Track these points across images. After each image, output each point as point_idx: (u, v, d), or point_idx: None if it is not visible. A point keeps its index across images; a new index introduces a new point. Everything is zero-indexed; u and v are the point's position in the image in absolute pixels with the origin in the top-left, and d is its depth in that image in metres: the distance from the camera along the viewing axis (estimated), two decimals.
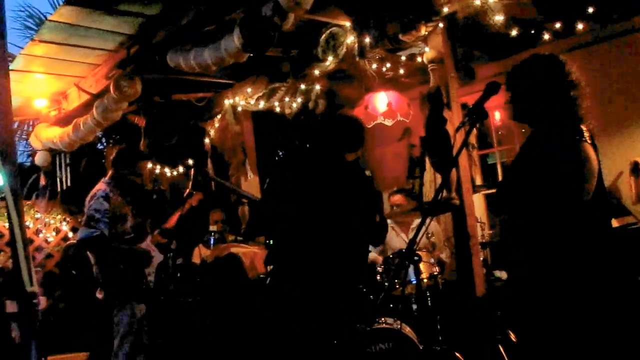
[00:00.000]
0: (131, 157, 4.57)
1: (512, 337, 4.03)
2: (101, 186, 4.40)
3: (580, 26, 4.46)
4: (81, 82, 5.37)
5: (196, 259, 5.25)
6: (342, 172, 3.42)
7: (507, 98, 2.45)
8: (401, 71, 5.47)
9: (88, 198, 4.37)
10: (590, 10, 4.41)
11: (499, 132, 6.21)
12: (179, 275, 4.75)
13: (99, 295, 4.40)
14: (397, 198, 5.38)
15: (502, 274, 5.19)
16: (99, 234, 4.20)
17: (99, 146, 8.69)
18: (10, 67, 4.48)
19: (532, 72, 2.39)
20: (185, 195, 4.36)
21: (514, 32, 4.46)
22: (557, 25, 4.46)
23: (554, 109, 2.31)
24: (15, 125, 6.28)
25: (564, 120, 2.29)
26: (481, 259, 4.36)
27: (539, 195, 2.16)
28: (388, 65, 5.33)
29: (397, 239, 5.25)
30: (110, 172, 4.56)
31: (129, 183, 4.50)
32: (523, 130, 5.94)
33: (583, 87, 2.35)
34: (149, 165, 6.71)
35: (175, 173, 7.34)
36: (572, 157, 2.18)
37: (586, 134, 2.25)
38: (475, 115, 2.31)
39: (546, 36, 4.55)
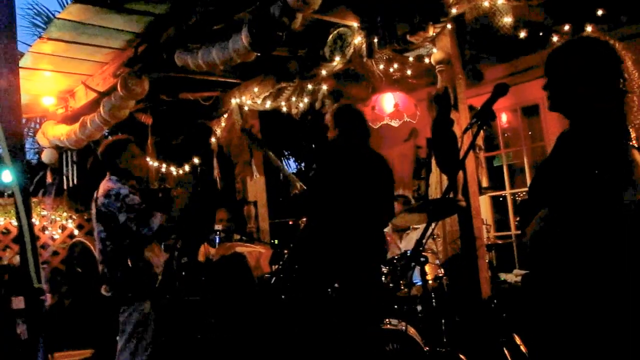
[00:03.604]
0: (116, 146, 4.47)
1: (517, 340, 4.02)
2: (114, 184, 4.32)
3: (589, 29, 4.44)
4: (88, 80, 5.39)
5: (201, 258, 5.27)
6: (374, 160, 3.85)
7: (545, 84, 2.19)
8: (409, 72, 5.47)
9: (110, 198, 4.20)
10: (600, 12, 4.39)
11: (506, 135, 6.20)
12: (184, 273, 4.77)
13: (105, 292, 4.38)
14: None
15: (508, 277, 5.19)
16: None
17: None
18: (19, 65, 4.49)
19: (577, 53, 2.13)
20: (192, 193, 4.37)
21: (522, 34, 4.45)
22: (566, 27, 4.44)
23: (599, 99, 2.06)
24: (23, 123, 6.32)
25: (608, 116, 2.04)
26: (487, 261, 4.35)
27: (579, 200, 1.96)
28: (395, 66, 5.33)
29: (393, 245, 5.25)
30: (109, 172, 4.45)
31: (130, 174, 4.46)
32: (530, 132, 5.95)
33: (633, 79, 2.09)
34: (154, 164, 6.74)
35: (181, 172, 7.36)
36: (618, 162, 1.95)
37: (633, 135, 2.02)
38: (483, 117, 2.29)
39: (555, 38, 4.54)
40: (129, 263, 4.26)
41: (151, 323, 4.34)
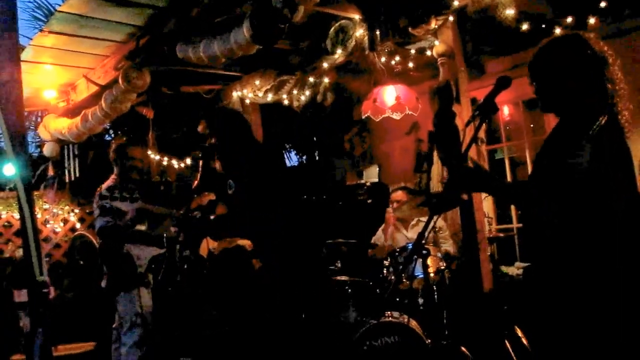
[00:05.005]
0: (123, 148, 4.76)
1: (519, 332, 4.03)
2: (109, 182, 4.61)
3: (592, 21, 4.42)
4: (90, 73, 5.38)
5: (204, 251, 5.27)
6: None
7: (534, 89, 2.27)
8: (410, 65, 5.45)
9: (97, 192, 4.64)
10: (602, 5, 4.37)
11: (508, 128, 6.19)
12: (185, 267, 4.77)
13: (104, 284, 4.55)
14: (398, 194, 5.38)
15: (509, 269, 5.19)
16: (113, 224, 4.42)
17: (107, 137, 8.72)
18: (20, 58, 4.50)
19: (555, 53, 2.22)
20: (193, 187, 4.39)
21: (524, 27, 4.43)
22: (569, 20, 4.42)
23: (585, 93, 2.12)
24: (25, 116, 6.32)
25: (596, 106, 2.08)
26: (488, 254, 4.35)
27: (572, 192, 1.98)
28: (397, 58, 5.31)
29: (399, 235, 5.26)
30: (115, 169, 4.73)
31: (130, 179, 4.68)
32: (532, 126, 5.94)
33: (615, 69, 2.15)
34: (156, 157, 6.74)
35: (182, 165, 7.36)
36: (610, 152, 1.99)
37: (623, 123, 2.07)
38: (485, 109, 2.28)
39: (557, 31, 4.52)
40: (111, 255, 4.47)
41: (151, 314, 4.44)
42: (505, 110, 6.07)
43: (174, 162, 7.33)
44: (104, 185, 4.61)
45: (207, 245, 5.19)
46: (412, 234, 5.20)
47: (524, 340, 3.97)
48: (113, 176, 4.75)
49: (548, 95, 2.24)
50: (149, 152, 6.58)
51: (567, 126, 2.17)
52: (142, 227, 4.55)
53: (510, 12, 4.16)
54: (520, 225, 5.65)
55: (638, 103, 4.85)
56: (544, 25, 4.52)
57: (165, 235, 4.64)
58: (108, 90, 5.12)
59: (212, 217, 4.22)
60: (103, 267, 4.59)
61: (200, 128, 3.81)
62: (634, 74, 4.82)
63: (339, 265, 4.61)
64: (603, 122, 2.03)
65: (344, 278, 4.43)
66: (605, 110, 2.08)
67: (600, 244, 1.97)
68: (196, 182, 4.35)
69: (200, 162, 4.39)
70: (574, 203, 1.97)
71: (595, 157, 1.97)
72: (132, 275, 4.49)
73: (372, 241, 5.31)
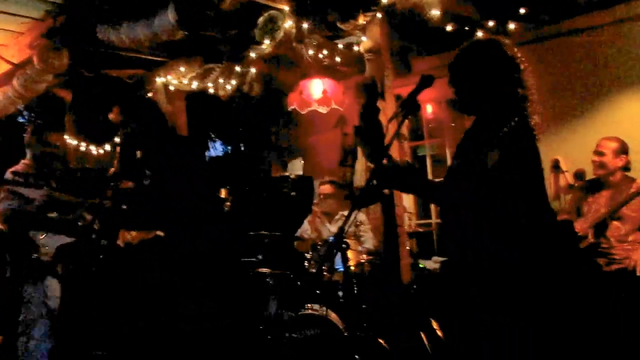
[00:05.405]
0: (43, 132, 4.48)
1: (434, 324, 4.15)
2: (18, 166, 4.35)
3: (512, 26, 4.59)
4: (2, 49, 5.09)
5: (121, 242, 5.11)
6: None
7: (452, 91, 2.35)
8: (338, 59, 5.47)
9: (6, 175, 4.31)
10: (522, 11, 4.55)
11: (430, 125, 6.35)
12: (101, 258, 4.61)
13: (8, 274, 4.32)
14: (326, 187, 5.40)
15: (427, 263, 5.33)
16: (18, 209, 4.14)
17: (21, 119, 8.28)
18: None
19: (471, 57, 2.31)
20: (110, 174, 4.24)
21: (449, 28, 4.55)
22: (491, 23, 4.57)
23: (497, 95, 2.22)
24: None
25: (507, 108, 2.18)
26: (407, 248, 4.45)
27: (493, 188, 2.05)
28: (325, 52, 5.32)
29: (323, 229, 5.29)
30: (29, 154, 4.46)
31: (47, 165, 4.43)
32: (453, 124, 6.12)
33: (527, 74, 2.25)
34: (73, 142, 6.46)
35: (101, 151, 7.09)
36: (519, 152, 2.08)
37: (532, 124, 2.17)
38: (408, 107, 2.32)
39: (480, 33, 4.66)
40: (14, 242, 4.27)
41: (59, 305, 4.26)
42: (429, 108, 6.23)
43: (93, 148, 7.05)
44: (11, 169, 4.37)
45: (124, 235, 5.02)
46: (336, 227, 5.24)
47: (439, 332, 4.09)
48: (25, 161, 4.50)
49: (464, 96, 2.33)
50: (66, 137, 6.30)
51: (480, 127, 2.27)
52: (52, 215, 4.33)
53: (436, 12, 4.25)
54: (439, 220, 5.82)
55: (552, 106, 5.12)
56: (467, 28, 4.65)
57: (79, 223, 4.46)
58: (22, 70, 4.86)
59: (127, 206, 4.07)
60: (6, 255, 4.35)
61: (112, 116, 3.66)
62: (550, 78, 5.08)
63: (261, 257, 4.59)
64: (513, 124, 2.12)
65: (265, 270, 4.41)
66: (516, 112, 2.17)
67: (510, 237, 2.06)
68: (114, 169, 4.21)
69: (119, 149, 4.26)
70: (486, 200, 2.05)
71: (504, 156, 2.05)
72: (37, 264, 4.29)
73: (299, 234, 5.31)
